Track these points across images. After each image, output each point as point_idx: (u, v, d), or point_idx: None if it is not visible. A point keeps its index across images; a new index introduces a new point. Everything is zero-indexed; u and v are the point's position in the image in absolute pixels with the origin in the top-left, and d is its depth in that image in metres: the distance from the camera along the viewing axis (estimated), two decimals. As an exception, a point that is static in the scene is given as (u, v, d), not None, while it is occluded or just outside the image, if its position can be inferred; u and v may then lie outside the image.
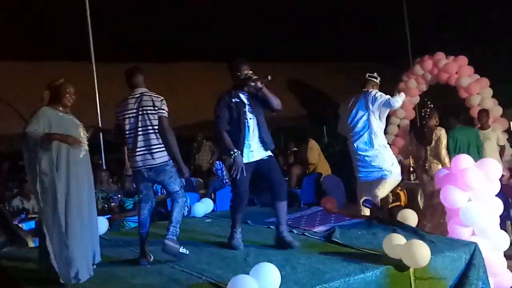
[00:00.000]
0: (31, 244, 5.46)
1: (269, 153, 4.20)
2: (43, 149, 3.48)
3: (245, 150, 4.06)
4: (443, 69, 9.21)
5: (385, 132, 10.41)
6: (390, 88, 10.49)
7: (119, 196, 6.79)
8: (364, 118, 5.39)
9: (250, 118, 4.10)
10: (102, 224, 5.12)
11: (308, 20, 17.52)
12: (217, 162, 8.44)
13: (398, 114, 10.18)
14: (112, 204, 6.60)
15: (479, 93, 8.79)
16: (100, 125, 8.16)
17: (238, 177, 3.97)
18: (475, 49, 11.75)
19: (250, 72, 4.06)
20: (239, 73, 4.07)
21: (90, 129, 3.90)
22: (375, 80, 5.56)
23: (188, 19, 16.12)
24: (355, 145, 5.45)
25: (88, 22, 8.39)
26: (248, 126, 4.08)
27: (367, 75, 5.60)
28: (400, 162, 8.12)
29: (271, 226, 4.72)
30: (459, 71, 9.05)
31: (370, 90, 5.45)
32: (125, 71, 4.06)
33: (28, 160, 3.52)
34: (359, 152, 5.43)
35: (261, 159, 4.15)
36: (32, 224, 6.13)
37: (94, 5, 8.62)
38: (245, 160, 4.04)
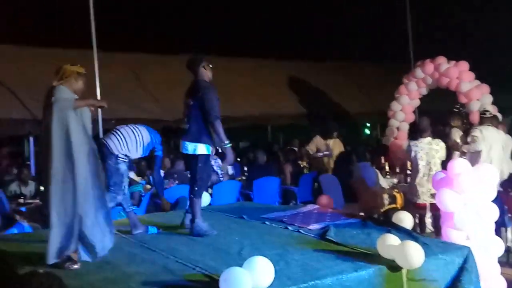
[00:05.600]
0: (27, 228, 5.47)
1: None
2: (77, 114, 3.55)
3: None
4: (444, 74, 9.22)
5: (384, 135, 10.58)
6: (390, 89, 10.55)
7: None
8: None
9: None
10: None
11: (311, 19, 17.52)
12: (213, 157, 8.46)
13: (397, 117, 10.19)
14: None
15: (479, 99, 8.81)
16: (99, 115, 8.17)
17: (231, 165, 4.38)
18: (476, 55, 11.77)
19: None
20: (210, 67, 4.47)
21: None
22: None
23: (192, 13, 16.08)
24: None
25: (91, 8, 8.32)
26: None
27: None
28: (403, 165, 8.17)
29: (266, 222, 4.76)
30: (460, 76, 9.07)
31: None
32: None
33: (50, 129, 3.49)
34: None
35: None
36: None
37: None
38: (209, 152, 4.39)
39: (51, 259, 3.49)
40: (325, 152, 8.56)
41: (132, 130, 4.61)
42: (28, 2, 14.41)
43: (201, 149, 4.32)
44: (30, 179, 7.62)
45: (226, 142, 4.32)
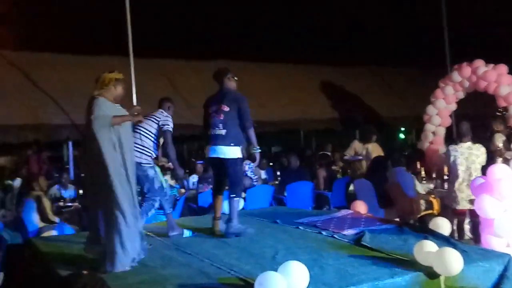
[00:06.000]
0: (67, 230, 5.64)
1: None
2: (112, 131, 3.64)
3: None
4: (482, 77, 9.00)
5: (419, 139, 10.38)
6: (426, 93, 10.36)
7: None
8: None
9: None
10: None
11: (344, 24, 17.42)
12: (246, 162, 8.48)
13: (433, 121, 9.99)
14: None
15: (519, 102, 8.55)
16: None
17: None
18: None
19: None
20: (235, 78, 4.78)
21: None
22: None
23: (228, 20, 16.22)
24: None
25: (128, 16, 8.49)
26: None
27: None
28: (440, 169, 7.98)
29: (300, 227, 4.76)
30: (498, 80, 8.83)
31: None
32: None
33: (93, 145, 3.59)
34: None
35: None
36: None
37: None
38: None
39: (117, 267, 3.55)
40: (358, 157, 8.43)
41: (136, 133, 4.65)
42: (66, 11, 14.87)
43: (238, 152, 4.57)
44: (69, 182, 7.86)
45: (257, 147, 4.66)
